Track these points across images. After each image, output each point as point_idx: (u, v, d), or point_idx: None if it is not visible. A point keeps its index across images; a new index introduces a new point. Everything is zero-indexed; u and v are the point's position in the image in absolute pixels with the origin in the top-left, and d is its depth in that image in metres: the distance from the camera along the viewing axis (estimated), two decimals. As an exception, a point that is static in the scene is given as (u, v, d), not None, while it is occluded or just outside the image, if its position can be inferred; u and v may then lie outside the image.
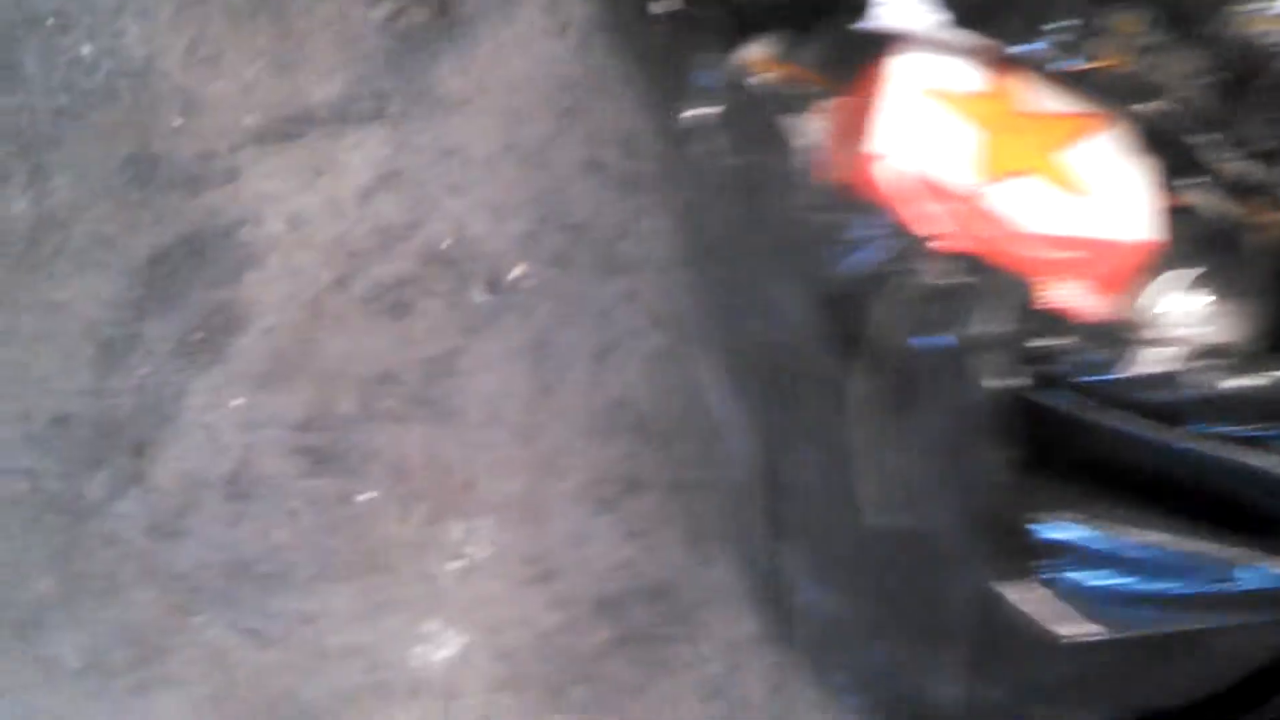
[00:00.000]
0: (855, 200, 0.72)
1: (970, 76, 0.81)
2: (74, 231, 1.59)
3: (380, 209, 1.58)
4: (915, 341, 0.69)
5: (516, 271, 1.53)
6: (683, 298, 1.29)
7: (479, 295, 1.52)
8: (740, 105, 0.76)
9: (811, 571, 1.09)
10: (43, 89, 1.68)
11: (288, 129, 1.63)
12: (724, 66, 0.77)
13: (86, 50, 1.69)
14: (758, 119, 0.76)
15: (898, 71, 0.81)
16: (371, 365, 1.48)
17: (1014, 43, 0.78)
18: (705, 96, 0.77)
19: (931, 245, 0.70)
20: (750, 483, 1.08)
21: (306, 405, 1.47)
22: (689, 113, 0.76)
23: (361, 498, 1.42)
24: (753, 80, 0.79)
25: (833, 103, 0.85)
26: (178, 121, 1.65)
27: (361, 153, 1.62)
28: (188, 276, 1.55)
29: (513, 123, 1.62)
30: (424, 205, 1.58)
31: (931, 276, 0.69)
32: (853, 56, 0.87)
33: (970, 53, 0.80)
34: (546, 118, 1.61)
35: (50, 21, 1.71)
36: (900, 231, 0.71)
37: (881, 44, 0.85)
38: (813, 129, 0.78)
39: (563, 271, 1.52)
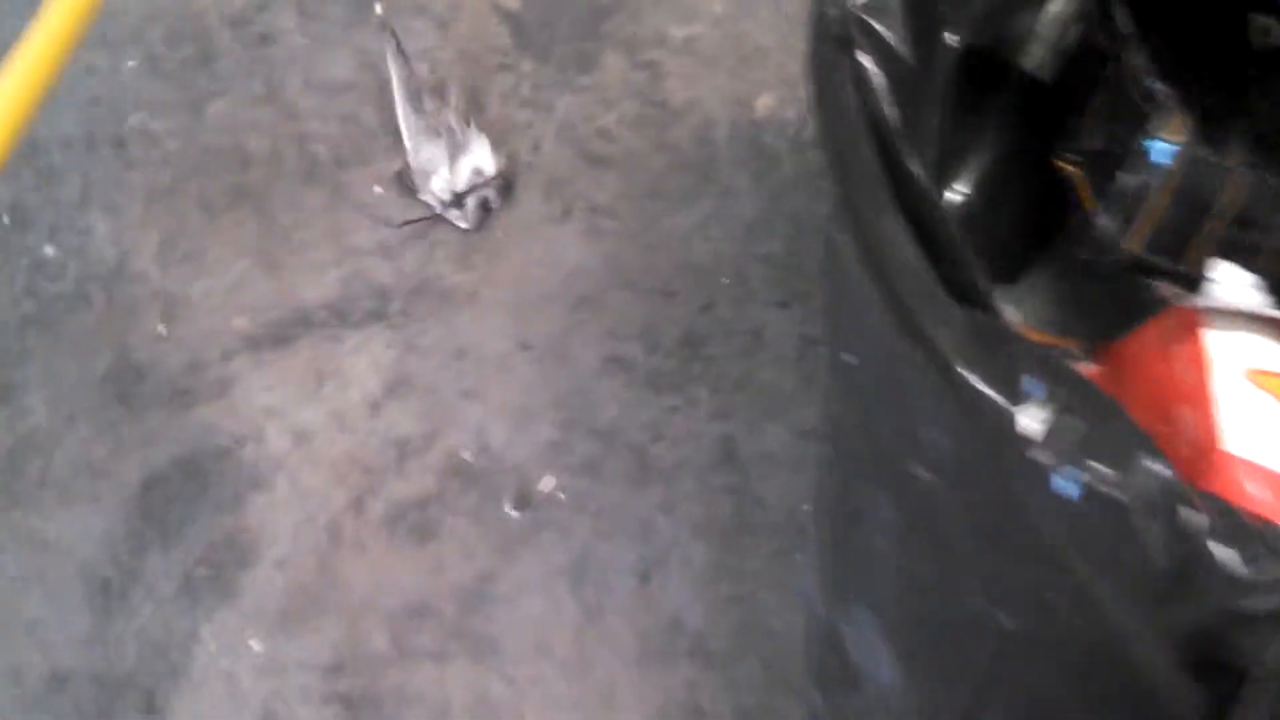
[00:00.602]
0: (1228, 510, 0.64)
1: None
2: (56, 458, 1.45)
3: (392, 419, 1.48)
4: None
5: (546, 483, 1.44)
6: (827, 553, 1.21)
7: (509, 511, 1.42)
8: (1080, 406, 0.66)
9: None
10: (6, 296, 1.54)
11: (282, 333, 1.52)
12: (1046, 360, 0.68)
13: (50, 250, 1.56)
14: (1107, 423, 0.67)
15: (1216, 349, 0.74)
16: (401, 596, 1.38)
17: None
18: (1036, 400, 0.67)
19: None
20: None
21: (333, 646, 1.36)
22: (1024, 423, 0.67)
23: (405, 750, 1.31)
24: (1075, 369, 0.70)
25: (1097, 373, 0.78)
26: (160, 328, 1.53)
27: (365, 357, 1.51)
28: (187, 503, 1.43)
29: (524, 318, 1.53)
30: (439, 413, 1.48)
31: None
32: (1100, 316, 0.80)
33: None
34: (560, 311, 1.53)
35: (5, 218, 1.57)
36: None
37: (1139, 303, 0.79)
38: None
39: (595, 482, 1.44)
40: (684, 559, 1.39)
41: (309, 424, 1.46)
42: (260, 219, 1.57)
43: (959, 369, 0.70)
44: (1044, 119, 0.93)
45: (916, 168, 0.73)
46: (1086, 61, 0.89)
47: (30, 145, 1.55)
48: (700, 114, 1.64)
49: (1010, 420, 0.68)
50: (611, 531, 1.41)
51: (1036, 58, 0.89)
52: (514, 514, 1.42)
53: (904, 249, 0.73)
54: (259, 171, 1.59)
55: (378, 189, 1.59)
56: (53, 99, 1.61)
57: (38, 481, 1.44)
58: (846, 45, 0.77)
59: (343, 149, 1.61)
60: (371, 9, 1.69)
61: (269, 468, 1.44)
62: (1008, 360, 0.70)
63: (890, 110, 0.76)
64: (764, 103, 1.64)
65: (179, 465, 1.44)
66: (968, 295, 0.74)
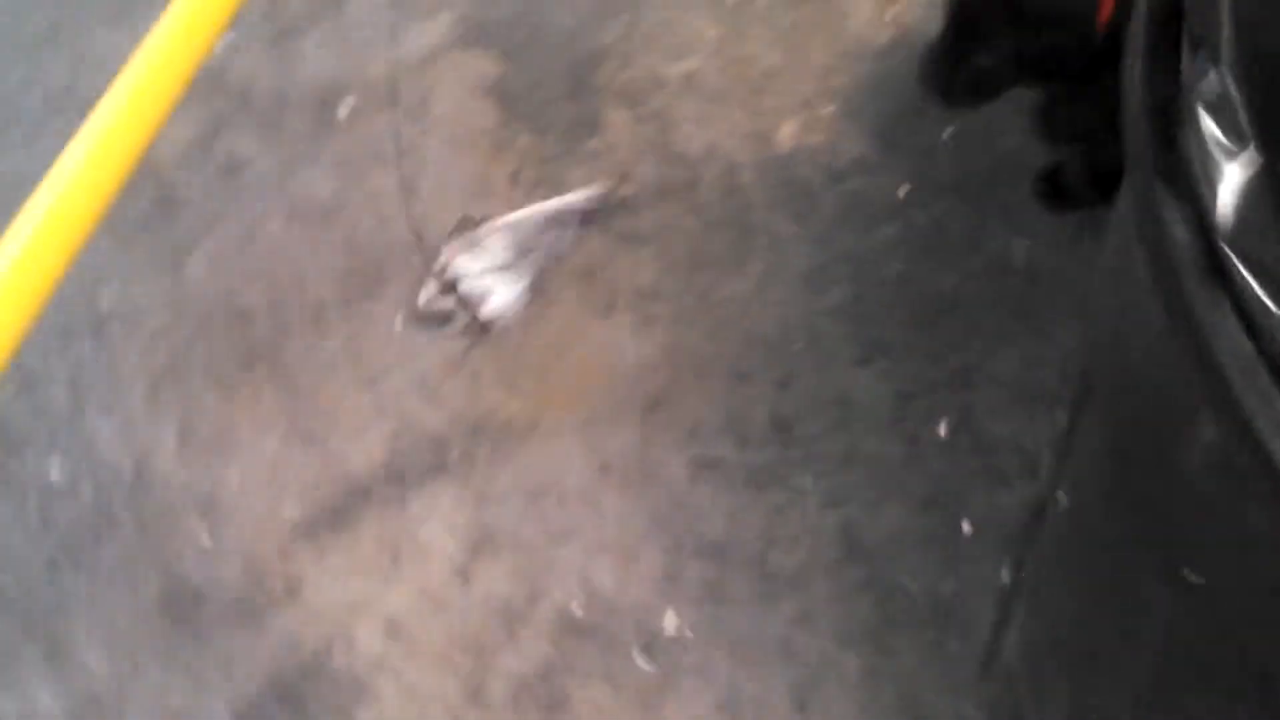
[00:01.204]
0: None
1: None
2: (129, 714, 1.30)
3: (486, 585, 1.35)
4: None
5: (669, 622, 1.32)
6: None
7: (639, 663, 1.30)
8: None
9: None
10: (20, 539, 1.37)
11: (339, 512, 1.37)
12: None
13: (56, 472, 1.39)
14: None
15: None
16: (550, 787, 1.26)
17: None
18: None
19: None
20: None
21: None
22: None
23: None
24: None
25: None
26: (204, 536, 1.37)
27: (437, 520, 1.38)
28: (290, 732, 1.30)
29: (595, 436, 1.40)
30: (534, 567, 1.35)
31: None
32: None
33: None
34: (631, 419, 1.40)
35: (-6, 444, 1.40)
36: None
37: None
38: None
39: (720, 607, 1.32)
40: (837, 676, 1.29)
41: (397, 611, 1.33)
42: (279, 383, 1.41)
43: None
44: None
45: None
46: None
47: None
48: (722, 160, 1.50)
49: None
50: (752, 660, 1.30)
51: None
52: (645, 665, 1.30)
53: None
54: (263, 327, 1.43)
55: (398, 323, 1.43)
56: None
57: (118, 745, 1.29)
58: (1218, 279, 0.61)
59: (348, 283, 1.44)
60: (334, 112, 1.52)
61: (368, 672, 1.31)
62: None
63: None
64: (787, 132, 1.50)
65: (269, 691, 1.30)
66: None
